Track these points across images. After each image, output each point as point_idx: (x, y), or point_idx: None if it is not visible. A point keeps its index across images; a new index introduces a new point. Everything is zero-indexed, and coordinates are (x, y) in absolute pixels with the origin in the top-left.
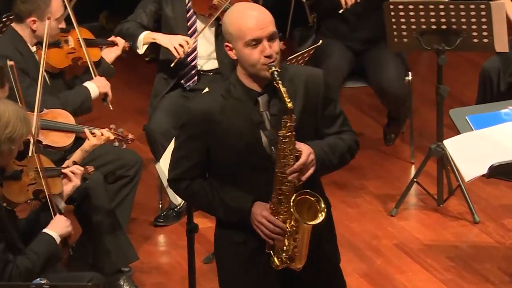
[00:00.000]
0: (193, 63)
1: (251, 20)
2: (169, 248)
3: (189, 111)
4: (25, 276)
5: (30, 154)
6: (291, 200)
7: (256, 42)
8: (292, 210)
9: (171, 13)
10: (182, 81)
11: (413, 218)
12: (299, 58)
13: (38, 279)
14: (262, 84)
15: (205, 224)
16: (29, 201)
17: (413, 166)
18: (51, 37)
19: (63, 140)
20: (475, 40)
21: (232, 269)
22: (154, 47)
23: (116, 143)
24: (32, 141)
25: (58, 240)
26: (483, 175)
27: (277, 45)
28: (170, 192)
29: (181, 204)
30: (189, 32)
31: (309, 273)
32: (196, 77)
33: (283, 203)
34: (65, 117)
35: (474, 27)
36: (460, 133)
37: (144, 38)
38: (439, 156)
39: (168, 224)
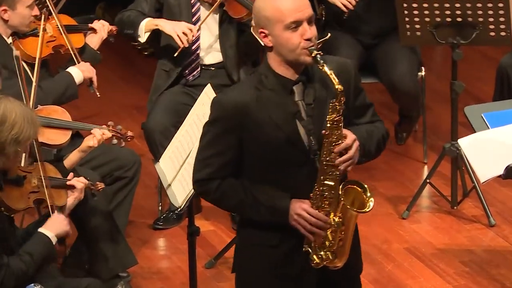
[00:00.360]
0: (196, 53)
1: (290, 1)
2: (169, 252)
3: (220, 105)
4: (20, 279)
5: (23, 163)
6: (339, 188)
7: (297, 24)
8: (341, 197)
9: (174, 0)
10: (186, 72)
11: (426, 221)
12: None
13: (32, 284)
14: (297, 71)
15: (207, 227)
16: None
17: (425, 167)
18: (25, 26)
19: (59, 137)
20: (492, 34)
21: (259, 275)
22: (154, 36)
23: (115, 141)
24: (36, 147)
25: (54, 240)
26: (499, 176)
27: (315, 29)
28: (170, 193)
29: (182, 206)
30: (193, 19)
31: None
32: (198, 70)
33: (326, 195)
34: (60, 114)
35: (491, 19)
36: (475, 132)
37: (146, 25)
38: (453, 156)
39: (168, 227)
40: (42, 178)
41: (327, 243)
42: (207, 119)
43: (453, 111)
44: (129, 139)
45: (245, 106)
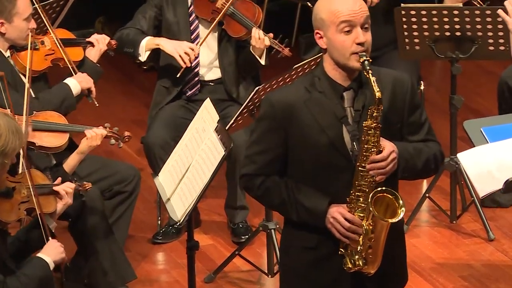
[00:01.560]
0: (195, 70)
1: (346, 4)
2: (168, 267)
3: (269, 103)
4: None
5: (20, 170)
6: (369, 196)
7: (350, 27)
8: (370, 206)
9: (173, 18)
10: (186, 88)
11: (425, 235)
12: (305, 67)
13: None
14: (350, 77)
15: (206, 241)
16: (21, 219)
17: (425, 181)
18: (22, 39)
19: (57, 140)
20: (491, 48)
21: (299, 275)
22: (153, 53)
23: (113, 141)
24: (22, 155)
25: (51, 265)
26: (499, 190)
27: (369, 36)
28: (169, 207)
29: (181, 220)
30: (192, 37)
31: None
32: (198, 86)
33: (360, 200)
34: (56, 118)
35: (490, 34)
36: (474, 146)
37: (147, 45)
38: (452, 170)
39: (168, 242)
40: (30, 187)
41: (358, 248)
42: (206, 133)
43: (452, 125)
44: (126, 139)
45: (293, 106)
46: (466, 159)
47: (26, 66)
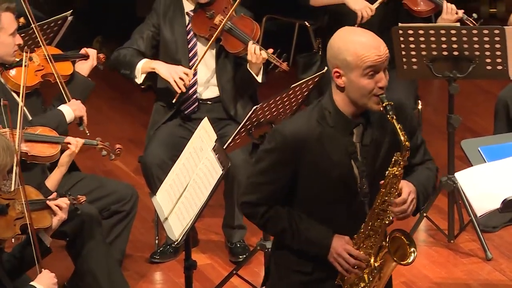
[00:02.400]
0: (193, 89)
1: (373, 49)
2: (166, 286)
3: (281, 135)
4: None
5: (13, 187)
6: (388, 235)
7: (375, 72)
8: (387, 244)
9: (170, 36)
10: (183, 107)
11: (423, 255)
12: (303, 86)
13: None
14: (360, 113)
15: (204, 260)
16: (17, 237)
17: None
18: (9, 55)
19: (49, 150)
20: (489, 67)
21: None
22: (151, 73)
23: (104, 152)
24: (14, 171)
25: None
26: (497, 210)
27: (387, 75)
28: (167, 227)
29: (179, 240)
30: (190, 55)
31: None
32: (195, 105)
33: (371, 238)
34: (48, 132)
35: (487, 53)
36: (472, 165)
37: (143, 68)
38: (450, 189)
39: (165, 261)
40: (24, 203)
41: (362, 284)
42: (204, 152)
43: (450, 144)
44: (118, 151)
45: (306, 140)
46: (464, 178)
47: (17, 83)
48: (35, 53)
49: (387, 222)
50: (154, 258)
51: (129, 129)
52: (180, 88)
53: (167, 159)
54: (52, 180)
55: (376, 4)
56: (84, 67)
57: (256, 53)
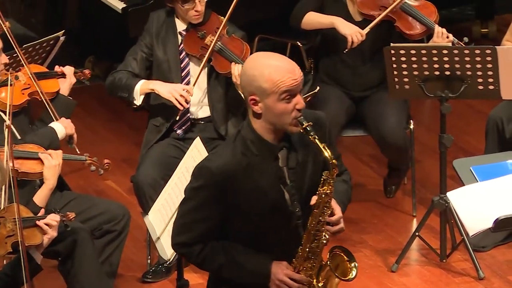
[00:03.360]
0: (186, 109)
1: (287, 73)
2: None
3: (208, 172)
4: None
5: (2, 205)
6: (328, 253)
7: (291, 96)
8: (328, 262)
9: (163, 56)
10: (176, 126)
11: (415, 274)
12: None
13: None
14: (281, 137)
15: (196, 280)
16: (7, 256)
17: (414, 220)
18: None
19: (39, 166)
20: (480, 87)
21: None
22: (147, 95)
23: (93, 167)
24: (4, 189)
25: None
26: (489, 229)
27: (302, 97)
28: (159, 246)
29: (171, 259)
30: (182, 75)
31: None
32: (188, 124)
33: (309, 260)
34: (36, 149)
35: (479, 73)
36: (464, 185)
37: (141, 89)
38: (442, 209)
39: (157, 280)
40: (16, 220)
41: None
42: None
43: (442, 164)
44: (106, 166)
45: (234, 174)
46: (456, 198)
47: (4, 103)
48: (21, 71)
49: (324, 241)
50: (147, 277)
51: (122, 148)
52: (182, 105)
53: (159, 179)
54: (40, 196)
55: (367, 30)
56: (63, 86)
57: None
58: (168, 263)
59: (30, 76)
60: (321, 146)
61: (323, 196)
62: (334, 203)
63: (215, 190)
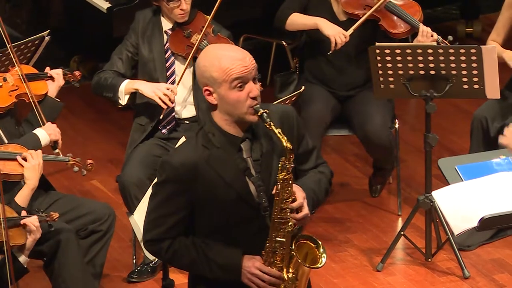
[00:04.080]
0: (171, 107)
1: (237, 60)
2: None
3: (170, 166)
4: None
5: None
6: (293, 244)
7: (243, 83)
8: (294, 252)
9: (148, 55)
10: (161, 125)
11: (400, 274)
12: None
13: None
14: (242, 129)
15: (182, 280)
16: None
17: (400, 219)
18: None
19: (21, 168)
20: (465, 86)
21: None
22: (132, 94)
23: (76, 168)
24: None
25: None
26: (474, 228)
27: (259, 86)
28: None
29: (156, 259)
30: (167, 74)
31: None
32: (174, 123)
33: (278, 251)
34: (19, 149)
35: (464, 72)
36: (449, 184)
37: (126, 89)
38: (427, 208)
39: (143, 280)
40: (1, 220)
41: None
42: None
43: (427, 163)
44: (89, 167)
45: (195, 166)
46: (441, 197)
47: None
48: (9, 73)
49: (289, 230)
50: (132, 277)
51: (107, 148)
52: (166, 104)
53: (145, 178)
54: (22, 196)
55: (350, 31)
56: (51, 88)
57: None
58: (153, 263)
59: (21, 77)
60: (276, 131)
61: (281, 182)
62: (297, 189)
63: (178, 183)
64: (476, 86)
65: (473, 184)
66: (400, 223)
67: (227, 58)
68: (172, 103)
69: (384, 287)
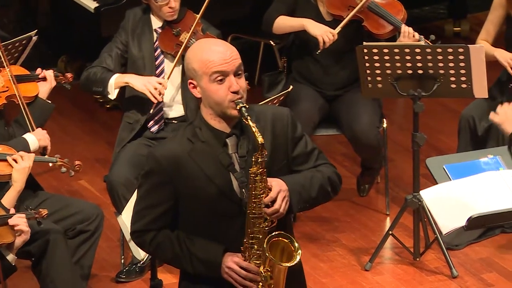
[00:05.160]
0: (159, 106)
1: (217, 53)
2: None
3: (153, 158)
4: None
5: None
6: (265, 242)
7: (223, 76)
8: (266, 252)
9: (138, 53)
10: (150, 123)
11: (388, 273)
12: (269, 105)
13: None
14: (230, 125)
15: (170, 280)
16: None
17: (388, 218)
18: None
19: (8, 168)
20: (453, 86)
21: None
22: (118, 91)
23: (64, 169)
24: None
25: None
26: (462, 227)
27: (243, 82)
28: (132, 246)
29: (144, 259)
30: (157, 72)
31: None
32: (162, 122)
33: (255, 247)
34: (7, 150)
35: (452, 71)
36: (437, 183)
37: (116, 83)
38: (415, 207)
39: (131, 280)
40: None
41: None
42: None
43: (415, 162)
44: (77, 168)
45: (178, 158)
46: (429, 196)
47: None
48: (0, 74)
49: (264, 225)
50: (120, 277)
51: (95, 148)
52: (156, 98)
53: (133, 178)
54: (8, 198)
55: (338, 29)
56: (42, 90)
57: None
58: (141, 262)
59: (10, 79)
60: (251, 126)
61: (253, 176)
62: (275, 185)
63: (161, 175)
64: (463, 86)
65: (461, 184)
66: (388, 223)
67: (208, 51)
68: (161, 97)
69: (372, 287)
